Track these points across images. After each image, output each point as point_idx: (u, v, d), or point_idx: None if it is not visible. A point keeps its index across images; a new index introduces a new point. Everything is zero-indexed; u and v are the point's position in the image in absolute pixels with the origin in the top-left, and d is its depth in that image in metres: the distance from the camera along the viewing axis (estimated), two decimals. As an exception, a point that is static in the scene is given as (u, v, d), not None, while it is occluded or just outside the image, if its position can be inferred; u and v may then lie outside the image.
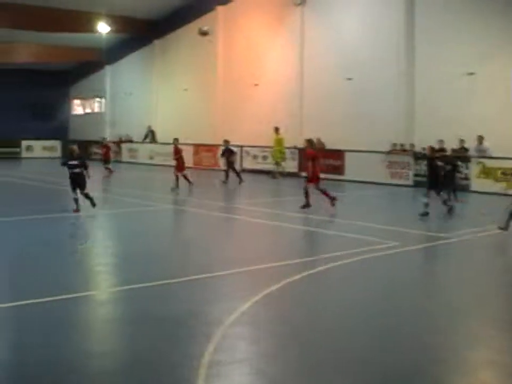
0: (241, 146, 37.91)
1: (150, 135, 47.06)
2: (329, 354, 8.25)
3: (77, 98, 58.83)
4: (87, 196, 20.84)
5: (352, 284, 12.22)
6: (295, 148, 34.95)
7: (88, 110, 57.95)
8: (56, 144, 55.21)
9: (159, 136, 46.46)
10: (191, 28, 43.23)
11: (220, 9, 42.10)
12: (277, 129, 34.54)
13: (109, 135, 51.34)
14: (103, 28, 44.22)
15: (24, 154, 54.18)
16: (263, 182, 32.86)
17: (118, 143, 48.91)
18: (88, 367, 7.85)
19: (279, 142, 34.64)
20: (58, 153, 54.30)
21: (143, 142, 47.11)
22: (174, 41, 45.93)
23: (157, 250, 15.50)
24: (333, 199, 21.35)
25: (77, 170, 20.74)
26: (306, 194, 21.32)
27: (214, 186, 30.59)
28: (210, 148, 40.50)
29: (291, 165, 35.01)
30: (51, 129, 54.83)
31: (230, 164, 31.54)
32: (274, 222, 19.63)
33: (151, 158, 45.07)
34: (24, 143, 54.46)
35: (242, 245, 16.30)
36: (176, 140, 29.46)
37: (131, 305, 10.53)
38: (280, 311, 10.31)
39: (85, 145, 49.07)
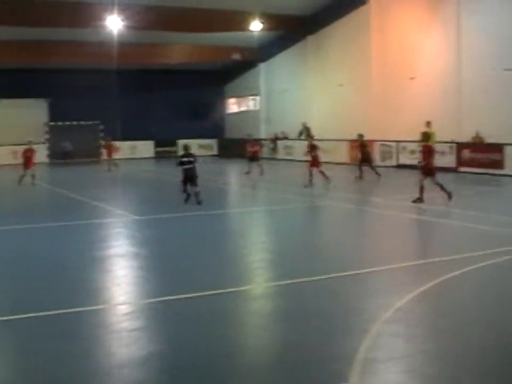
0: (398, 141, 37.33)
1: (305, 132, 47.06)
2: (490, 356, 7.92)
3: (232, 97, 59.67)
4: (196, 194, 21.71)
5: (513, 281, 11.75)
6: (452, 142, 34.06)
7: (243, 108, 58.64)
8: (213, 142, 56.20)
9: (314, 132, 46.38)
10: (344, 23, 43.07)
11: (373, 2, 41.54)
12: (428, 123, 33.72)
13: (264, 132, 51.85)
14: (255, 26, 44.62)
15: (181, 153, 55.38)
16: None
17: (274, 140, 49.27)
18: (241, 361, 7.91)
19: (430, 136, 33.78)
20: (214, 151, 55.27)
21: (298, 138, 47.17)
22: (327, 37, 45.73)
23: (311, 246, 15.49)
24: (449, 195, 20.86)
25: (189, 166, 21.94)
26: (421, 188, 20.85)
27: (360, 181, 30.17)
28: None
29: (449, 160, 34.03)
30: (207, 128, 55.82)
31: (366, 158, 31.86)
32: (424, 217, 19.22)
33: (307, 154, 45.02)
34: (181, 142, 55.74)
35: (396, 241, 15.99)
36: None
37: (285, 300, 10.54)
38: (437, 308, 10.04)
39: (241, 143, 49.78)
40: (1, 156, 47.16)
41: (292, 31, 47.86)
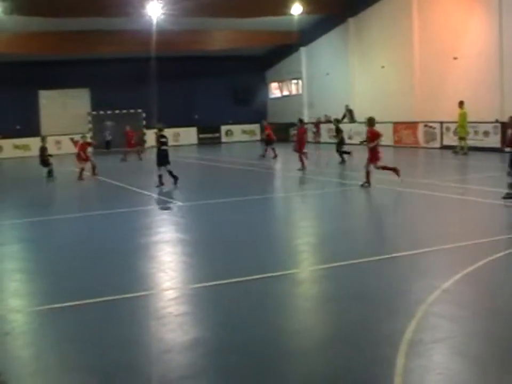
0: (441, 123, 37.00)
1: (348, 115, 46.84)
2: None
3: (274, 81, 59.55)
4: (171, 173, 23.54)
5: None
6: (496, 121, 33.66)
7: (285, 93, 58.50)
8: (255, 128, 56.21)
9: (357, 115, 46.16)
10: (385, 4, 42.71)
11: (415, -18, 41.16)
12: (461, 103, 33.38)
13: (307, 116, 51.68)
14: (296, 9, 44.45)
15: (224, 139, 55.63)
16: (458, 159, 31.89)
17: (317, 124, 49.15)
18: (288, 344, 7.96)
19: (463, 116, 33.48)
20: (257, 136, 55.25)
21: (341, 122, 46.93)
22: (368, 19, 45.35)
23: (356, 228, 15.48)
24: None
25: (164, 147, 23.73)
26: None
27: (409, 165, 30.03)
28: (409, 125, 39.72)
29: (494, 140, 33.64)
30: (250, 113, 55.78)
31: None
32: (471, 197, 19.06)
33: (350, 137, 44.78)
34: (224, 128, 55.95)
35: (442, 222, 15.85)
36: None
37: (332, 283, 10.59)
38: (483, 290, 9.98)
39: (284, 127, 49.73)
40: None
41: (332, 14, 47.58)
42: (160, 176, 23.86)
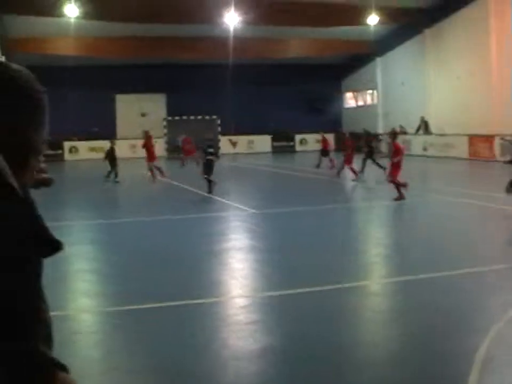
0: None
1: (423, 126, 46.38)
2: None
3: (349, 91, 59.37)
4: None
5: None
6: None
7: (360, 103, 58.29)
8: (330, 137, 55.90)
9: (433, 127, 45.67)
10: (462, 15, 42.18)
11: (491, -7, 40.54)
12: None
13: (382, 127, 51.36)
14: (372, 19, 44.23)
15: (298, 147, 55.57)
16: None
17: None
18: (357, 355, 7.88)
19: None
20: (332, 146, 55.00)
21: (416, 133, 46.45)
22: (445, 29, 44.85)
23: (425, 240, 15.23)
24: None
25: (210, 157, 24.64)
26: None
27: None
28: (486, 138, 38.94)
29: None
30: (324, 122, 55.61)
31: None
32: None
33: (425, 149, 44.37)
34: (298, 136, 55.90)
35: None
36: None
37: (403, 296, 10.44)
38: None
39: (358, 137, 49.39)
40: (122, 149, 48.15)
41: (408, 24, 47.23)
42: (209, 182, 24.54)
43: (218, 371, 7.42)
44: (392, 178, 21.07)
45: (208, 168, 24.45)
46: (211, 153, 24.98)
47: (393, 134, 22.37)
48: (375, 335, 8.85)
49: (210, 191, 24.12)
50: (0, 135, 1.83)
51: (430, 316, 9.15)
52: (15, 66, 1.94)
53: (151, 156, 30.46)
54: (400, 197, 20.68)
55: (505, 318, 8.76)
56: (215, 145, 44.93)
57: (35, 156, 1.93)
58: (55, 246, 1.89)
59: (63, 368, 1.95)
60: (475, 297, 10.22)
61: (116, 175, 29.82)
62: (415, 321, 9.01)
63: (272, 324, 9.17)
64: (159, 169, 30.19)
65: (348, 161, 28.33)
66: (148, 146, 30.93)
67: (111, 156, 29.74)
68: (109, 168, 29.66)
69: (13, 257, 1.71)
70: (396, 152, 21.42)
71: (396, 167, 21.15)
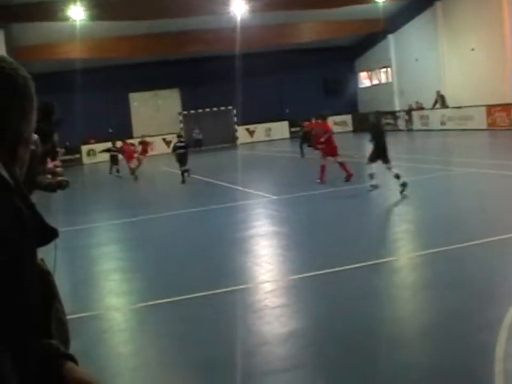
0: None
1: (440, 100, 46.11)
2: None
3: (363, 70, 59.05)
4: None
5: None
6: None
7: (375, 82, 57.95)
8: (347, 118, 55.86)
9: (449, 100, 45.40)
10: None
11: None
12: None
13: (398, 104, 51.18)
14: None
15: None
16: None
17: (408, 111, 48.52)
18: (386, 334, 7.87)
19: None
20: (349, 127, 54.91)
21: (433, 108, 46.24)
22: (457, 1, 44.49)
23: (451, 214, 15.15)
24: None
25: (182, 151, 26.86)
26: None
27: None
28: (503, 107, 38.66)
29: None
30: (341, 104, 55.44)
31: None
32: None
33: (443, 123, 44.11)
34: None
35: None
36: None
37: (429, 270, 10.43)
38: None
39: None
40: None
41: (418, -2, 46.99)
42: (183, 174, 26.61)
43: (247, 357, 7.43)
44: (337, 159, 21.71)
45: (181, 160, 26.75)
46: (182, 147, 27.12)
47: (322, 116, 23.54)
48: (402, 311, 8.86)
49: (183, 181, 26.45)
50: None
51: (455, 289, 9.11)
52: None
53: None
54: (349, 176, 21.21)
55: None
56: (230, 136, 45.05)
57: (25, 146, 1.91)
58: (50, 234, 1.89)
59: (71, 358, 1.96)
60: (500, 267, 10.17)
61: (118, 171, 33.13)
62: (441, 295, 9.00)
63: (298, 307, 9.20)
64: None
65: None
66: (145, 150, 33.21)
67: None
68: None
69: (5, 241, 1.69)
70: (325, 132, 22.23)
71: (330, 146, 21.84)
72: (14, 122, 1.87)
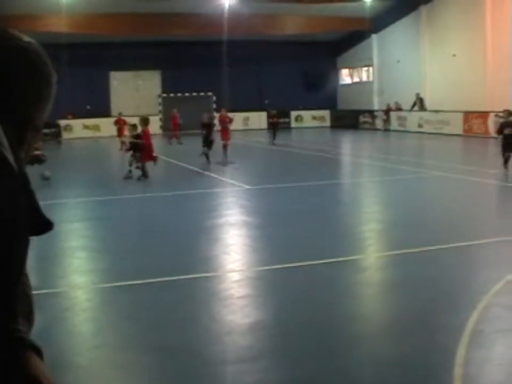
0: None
1: (419, 103, 46.33)
2: None
3: (345, 67, 59.11)
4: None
5: None
6: None
7: (356, 79, 58.06)
8: (325, 114, 55.93)
9: (428, 103, 45.64)
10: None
11: (488, -30, 40.33)
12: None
13: (377, 103, 51.34)
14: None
15: (294, 124, 55.34)
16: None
17: (387, 111, 48.69)
18: (349, 329, 7.91)
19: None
20: (327, 123, 55.00)
21: (411, 110, 46.46)
22: (441, 6, 44.66)
23: (419, 216, 15.23)
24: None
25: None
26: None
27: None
28: (481, 114, 38.91)
29: None
30: (320, 99, 55.52)
31: None
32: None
33: (420, 126, 44.34)
34: (293, 113, 55.68)
35: (507, 212, 15.59)
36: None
37: (396, 271, 10.47)
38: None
39: (354, 114, 49.48)
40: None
41: (404, 0, 47.08)
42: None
43: (210, 346, 7.45)
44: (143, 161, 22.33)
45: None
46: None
47: (144, 120, 23.53)
48: (366, 308, 8.91)
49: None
50: (2, 107, 1.77)
51: (419, 290, 9.17)
52: (27, 38, 1.85)
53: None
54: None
55: (493, 292, 8.80)
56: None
57: (34, 132, 1.87)
58: (45, 225, 1.86)
59: (38, 351, 1.89)
60: (465, 271, 10.29)
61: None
62: (406, 295, 9.07)
63: (263, 299, 9.20)
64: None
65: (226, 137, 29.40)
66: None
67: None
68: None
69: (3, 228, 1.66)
70: (145, 137, 22.71)
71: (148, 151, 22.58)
72: (29, 108, 1.82)
